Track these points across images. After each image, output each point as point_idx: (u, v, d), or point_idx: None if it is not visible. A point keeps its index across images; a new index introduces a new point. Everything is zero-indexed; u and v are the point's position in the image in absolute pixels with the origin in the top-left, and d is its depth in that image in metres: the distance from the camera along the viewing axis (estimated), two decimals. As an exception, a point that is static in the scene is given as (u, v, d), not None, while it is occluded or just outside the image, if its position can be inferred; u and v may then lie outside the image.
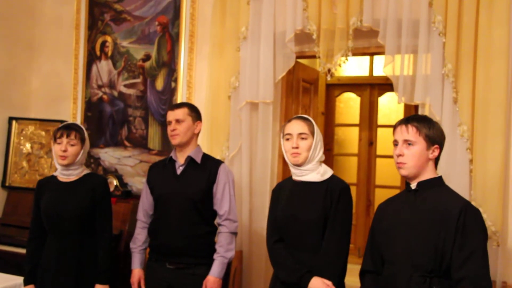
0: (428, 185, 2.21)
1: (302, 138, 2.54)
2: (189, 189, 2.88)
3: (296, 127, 2.57)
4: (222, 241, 2.90)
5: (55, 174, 3.00)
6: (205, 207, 2.92)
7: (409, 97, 3.19)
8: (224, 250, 2.88)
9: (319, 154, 2.58)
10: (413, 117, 2.27)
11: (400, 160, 2.21)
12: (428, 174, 2.22)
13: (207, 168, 2.94)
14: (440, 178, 2.24)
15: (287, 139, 2.58)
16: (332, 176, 2.58)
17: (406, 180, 2.28)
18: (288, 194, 2.60)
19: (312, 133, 2.56)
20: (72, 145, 2.89)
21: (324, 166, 2.61)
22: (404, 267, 2.14)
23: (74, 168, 2.94)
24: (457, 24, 3.05)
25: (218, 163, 3.00)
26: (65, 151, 2.87)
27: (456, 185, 2.29)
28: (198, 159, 2.95)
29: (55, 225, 2.88)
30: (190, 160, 2.94)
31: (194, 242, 2.87)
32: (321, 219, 2.48)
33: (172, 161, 2.99)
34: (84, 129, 3.00)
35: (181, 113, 2.91)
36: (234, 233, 2.95)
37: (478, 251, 2.05)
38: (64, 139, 2.88)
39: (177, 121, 2.90)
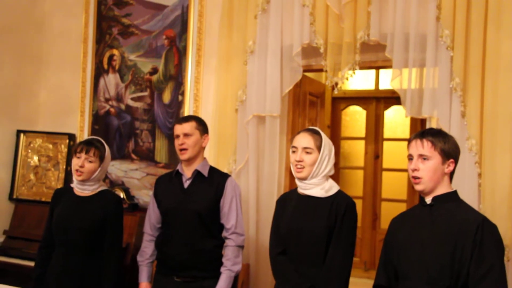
0: (443, 199, 2.18)
1: (307, 153, 2.52)
2: (196, 203, 2.87)
3: (302, 140, 2.55)
4: (229, 254, 2.88)
5: (72, 185, 3.01)
6: (212, 220, 2.91)
7: (417, 111, 3.19)
8: (231, 264, 2.87)
9: (326, 169, 2.54)
10: (428, 131, 2.23)
11: (415, 174, 2.17)
12: (444, 188, 2.19)
13: (214, 181, 2.93)
14: (455, 192, 2.21)
15: (293, 152, 2.57)
16: (338, 192, 2.55)
17: (421, 195, 2.24)
18: (293, 207, 2.58)
19: (318, 148, 2.52)
20: (90, 162, 2.89)
21: (330, 181, 2.57)
22: (419, 283, 2.11)
23: (90, 184, 2.94)
24: (465, 38, 3.05)
25: (225, 176, 2.99)
26: (82, 166, 2.87)
27: (464, 199, 2.27)
28: (205, 172, 2.95)
29: (63, 238, 2.88)
30: (197, 174, 2.94)
31: (201, 256, 2.86)
32: (325, 234, 2.46)
33: (178, 175, 2.98)
34: (106, 146, 2.99)
35: (189, 127, 2.91)
36: (241, 247, 2.94)
37: (496, 266, 2.02)
38: (83, 155, 2.88)
39: (185, 135, 2.89)
